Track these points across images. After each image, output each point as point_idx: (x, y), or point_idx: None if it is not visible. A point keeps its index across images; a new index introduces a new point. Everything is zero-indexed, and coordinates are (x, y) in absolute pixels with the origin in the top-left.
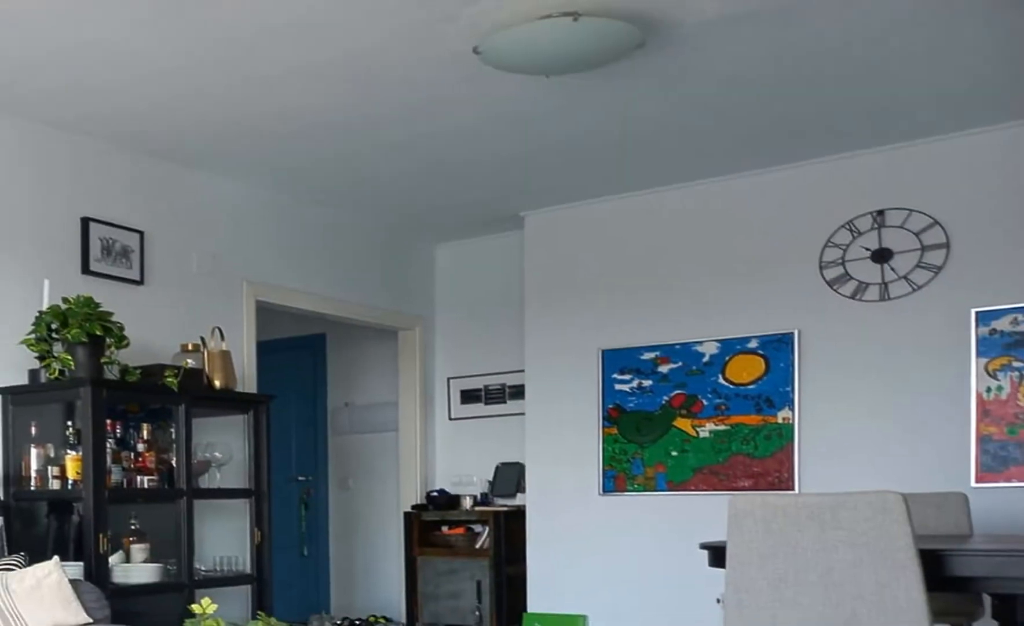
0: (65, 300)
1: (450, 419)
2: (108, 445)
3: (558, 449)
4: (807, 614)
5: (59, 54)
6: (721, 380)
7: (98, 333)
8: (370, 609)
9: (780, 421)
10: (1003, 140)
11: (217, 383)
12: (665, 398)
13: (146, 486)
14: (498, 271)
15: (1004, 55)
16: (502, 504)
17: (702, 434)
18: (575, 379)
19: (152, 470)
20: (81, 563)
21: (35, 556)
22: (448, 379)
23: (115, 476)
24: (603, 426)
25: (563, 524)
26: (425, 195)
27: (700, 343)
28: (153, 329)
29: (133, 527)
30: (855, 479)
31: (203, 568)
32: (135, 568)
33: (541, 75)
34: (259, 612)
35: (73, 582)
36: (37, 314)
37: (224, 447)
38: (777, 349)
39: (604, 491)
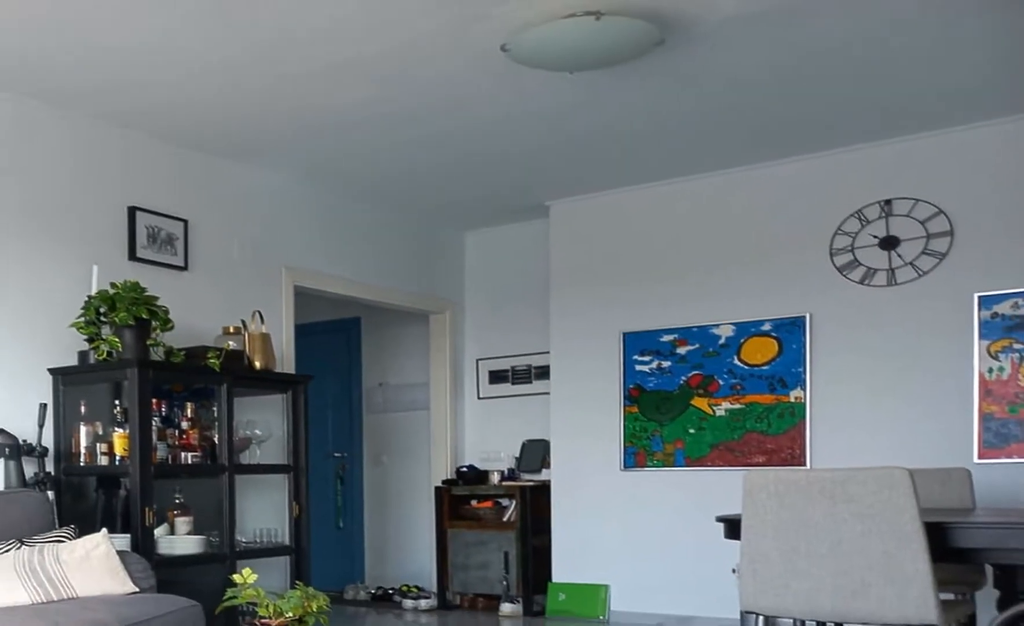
0: (113, 285)
1: (479, 398)
2: (154, 423)
3: (581, 427)
4: (818, 583)
5: (109, 53)
6: (736, 361)
7: (144, 316)
8: (402, 579)
9: (792, 400)
10: (1005, 133)
11: (257, 364)
12: (683, 378)
13: (190, 462)
14: (524, 258)
15: (1005, 52)
16: (528, 479)
17: (718, 412)
18: (598, 360)
19: (195, 447)
20: (128, 535)
21: (84, 528)
22: (477, 360)
23: (160, 452)
24: (624, 405)
25: (586, 498)
26: (455, 186)
27: (716, 326)
28: (197, 313)
29: (177, 501)
30: (863, 455)
31: (244, 540)
32: (179, 540)
33: (565, 72)
34: (297, 581)
35: (120, 553)
36: (86, 299)
37: (264, 425)
38: (790, 332)
39: (625, 467)
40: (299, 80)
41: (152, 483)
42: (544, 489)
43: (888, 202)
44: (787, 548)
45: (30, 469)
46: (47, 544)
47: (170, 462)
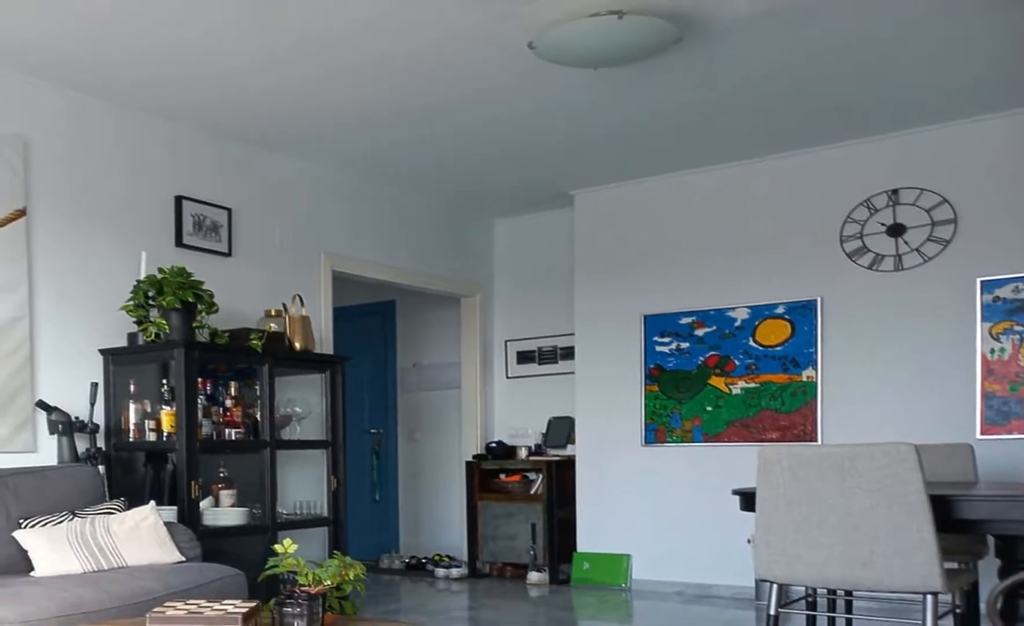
0: (160, 270)
1: (507, 377)
2: (199, 401)
3: (604, 404)
4: (829, 553)
5: (157, 50)
6: (751, 342)
7: (190, 300)
8: (435, 549)
9: (804, 379)
10: (1005, 126)
11: (297, 345)
12: (701, 359)
13: (233, 438)
14: (550, 244)
15: (1006, 49)
16: (554, 454)
17: (734, 391)
18: (620, 341)
19: (239, 423)
20: (175, 507)
21: (133, 501)
22: (505, 341)
23: (205, 429)
24: (645, 384)
25: (609, 472)
26: (484, 176)
27: (732, 309)
28: (240, 296)
29: (222, 475)
30: (872, 431)
31: (284, 512)
32: (223, 512)
33: (589, 68)
34: (335, 551)
35: (168, 524)
36: (135, 283)
37: (304, 403)
38: (802, 314)
39: (646, 442)
40: (337, 75)
41: (198, 458)
42: (569, 464)
43: (895, 191)
44: (799, 520)
45: (82, 445)
46: (98, 516)
47: (215, 438)
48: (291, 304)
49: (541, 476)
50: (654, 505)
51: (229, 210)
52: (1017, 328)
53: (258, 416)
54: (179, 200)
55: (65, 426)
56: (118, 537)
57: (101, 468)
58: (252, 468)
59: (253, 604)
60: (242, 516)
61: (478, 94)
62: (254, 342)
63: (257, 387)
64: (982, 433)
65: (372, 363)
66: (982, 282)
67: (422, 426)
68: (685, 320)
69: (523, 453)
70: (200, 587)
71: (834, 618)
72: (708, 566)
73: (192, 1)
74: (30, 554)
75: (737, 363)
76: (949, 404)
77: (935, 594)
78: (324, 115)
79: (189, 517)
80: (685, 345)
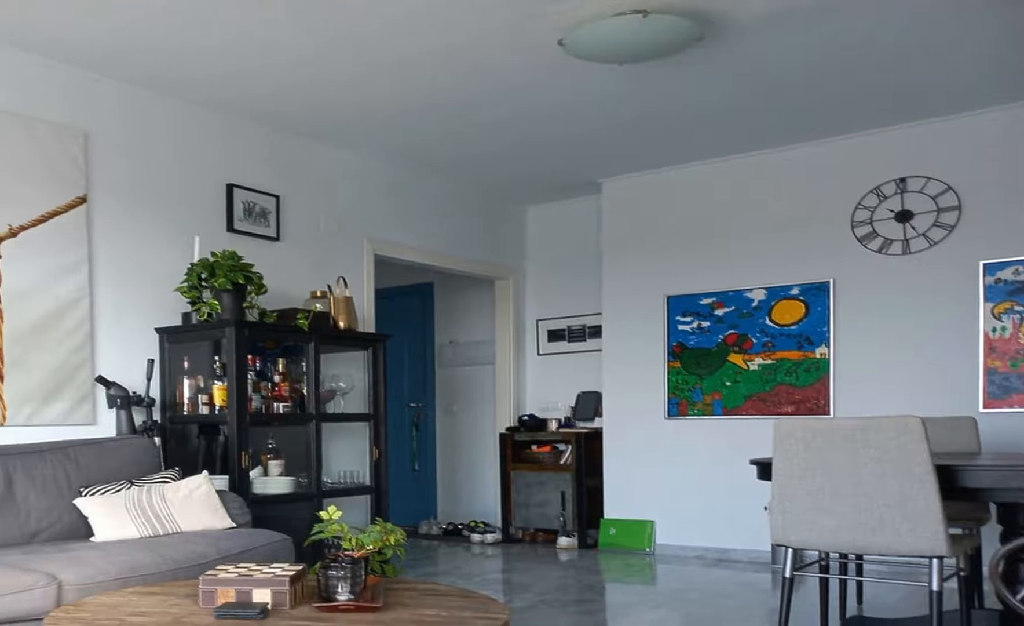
0: (213, 254)
1: (538, 354)
2: (249, 377)
3: (630, 380)
4: (841, 520)
5: (209, 46)
6: (768, 321)
7: (241, 282)
8: (471, 515)
9: (818, 356)
10: (1008, 118)
11: (341, 324)
12: (721, 337)
13: (281, 411)
14: (579, 229)
15: (1008, 45)
16: (582, 426)
17: (752, 367)
18: (644, 321)
19: (286, 398)
20: (226, 476)
21: (187, 470)
22: (537, 321)
23: (255, 403)
24: (668, 360)
25: (634, 443)
26: (517, 165)
27: (750, 290)
28: (287, 278)
29: (270, 446)
30: (881, 405)
31: (329, 481)
32: (272, 481)
33: (615, 64)
34: (377, 517)
35: (220, 493)
36: (189, 266)
37: (347, 378)
38: (815, 295)
39: (669, 415)
40: (378, 70)
41: (247, 430)
42: (597, 435)
43: (903, 180)
44: (813, 488)
45: (139, 418)
46: (154, 484)
47: (264, 411)
48: (335, 285)
49: (570, 447)
50: (676, 474)
51: (277, 197)
52: (1017, 308)
53: (304, 391)
54: (230, 188)
55: (123, 400)
56: (173, 504)
57: (157, 439)
58: (299, 439)
59: (300, 567)
60: (289, 485)
61: (511, 88)
62: (301, 321)
63: (303, 363)
64: (984, 407)
65: (411, 341)
66: (984, 265)
67: (459, 400)
68: (706, 300)
69: (553, 425)
70: (250, 551)
71: (846, 581)
72: (727, 532)
73: (243, 0)
74: (90, 520)
75: (754, 341)
76: (953, 379)
77: (940, 558)
78: (367, 108)
79: (240, 486)
80: (706, 324)
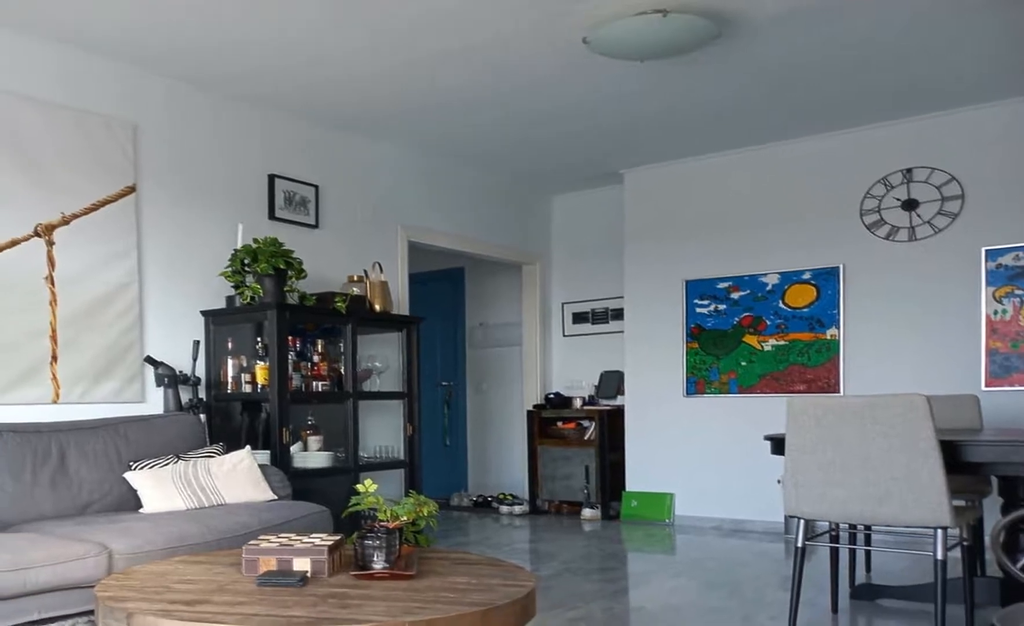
0: (255, 240)
1: (564, 336)
2: (290, 357)
3: (650, 360)
4: (850, 492)
5: (250, 43)
6: (781, 304)
7: (282, 267)
8: (499, 488)
9: (828, 337)
10: (1009, 112)
11: (377, 307)
12: (736, 319)
13: (320, 390)
14: (602, 217)
15: (1009, 42)
16: (605, 404)
17: (766, 348)
18: (664, 304)
19: (325, 377)
20: (268, 451)
21: (231, 446)
22: (562, 304)
23: (295, 381)
24: (686, 341)
25: (654, 420)
26: (543, 156)
27: (764, 275)
28: (326, 264)
29: (310, 422)
30: (888, 383)
31: (365, 455)
32: (311, 455)
33: (636, 61)
34: (410, 490)
35: (262, 467)
36: (233, 252)
37: (383, 358)
38: (826, 279)
39: (687, 393)
40: (412, 66)
41: (288, 407)
42: (619, 412)
43: (909, 170)
44: (824, 462)
45: (185, 396)
46: (200, 459)
47: (303, 390)
48: (371, 270)
49: (594, 423)
50: (694, 449)
51: (316, 187)
52: (1018, 292)
53: (342, 370)
54: (271, 178)
55: (170, 379)
56: (217, 478)
57: (202, 416)
58: (337, 416)
59: (338, 537)
60: (328, 459)
61: (538, 83)
62: (338, 304)
63: (341, 344)
64: (986, 385)
65: (443, 323)
66: (986, 251)
67: (488, 379)
68: (722, 285)
69: (578, 403)
70: (290, 522)
71: (855, 550)
72: (742, 503)
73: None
74: (139, 493)
75: (768, 323)
76: (957, 359)
77: (944, 528)
78: (401, 101)
79: (281, 460)
80: (722, 307)
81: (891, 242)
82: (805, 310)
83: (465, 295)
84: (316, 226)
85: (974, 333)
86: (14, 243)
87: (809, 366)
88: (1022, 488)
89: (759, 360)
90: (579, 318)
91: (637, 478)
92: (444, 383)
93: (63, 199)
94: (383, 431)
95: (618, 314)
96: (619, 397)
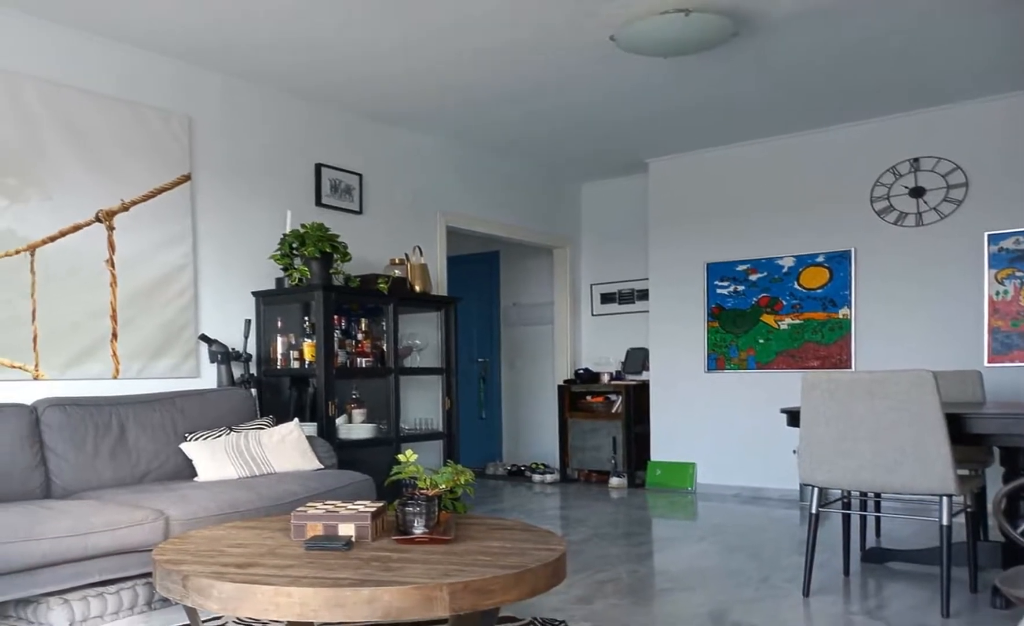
0: (303, 226)
1: (592, 315)
2: (335, 335)
3: (673, 338)
4: (861, 461)
5: (298, 40)
6: (796, 285)
7: (328, 250)
8: (532, 458)
9: (841, 317)
10: (1010, 105)
11: (417, 288)
12: (754, 299)
13: (363, 366)
14: (628, 204)
15: (1012, 40)
16: (631, 379)
17: (782, 326)
18: (686, 285)
19: (368, 354)
20: (315, 424)
21: (280, 418)
22: (591, 285)
23: (340, 358)
24: (708, 321)
25: (677, 394)
26: (573, 147)
27: (780, 258)
28: (369, 247)
29: (354, 396)
30: (897, 360)
31: (406, 427)
32: (355, 427)
33: (660, 57)
34: (448, 460)
35: (309, 438)
36: (282, 236)
37: (423, 336)
38: (839, 262)
39: (708, 370)
40: (450, 62)
41: (334, 382)
42: (644, 387)
43: (916, 160)
44: (836, 434)
45: (237, 371)
46: (251, 431)
47: (348, 366)
48: (412, 253)
49: (621, 397)
50: (715, 422)
51: (360, 175)
52: (1018, 273)
53: (384, 347)
54: (318, 167)
55: (223, 356)
56: (267, 448)
57: (253, 391)
58: (379, 391)
59: (380, 504)
60: (371, 431)
61: (568, 78)
62: (381, 285)
63: (383, 323)
64: (989, 362)
65: (479, 303)
66: (989, 235)
67: (521, 356)
68: (741, 267)
69: (605, 378)
70: (336, 490)
71: (865, 516)
72: (760, 472)
73: None
74: (194, 463)
75: (784, 303)
76: (961, 337)
77: (949, 496)
78: (441, 94)
79: (327, 432)
80: (741, 288)
81: (899, 227)
82: (819, 291)
83: (499, 277)
84: (360, 212)
85: (977, 312)
86: (77, 228)
87: (823, 344)
88: (1022, 458)
89: (776, 338)
90: (607, 298)
91: (661, 448)
92: (480, 360)
93: (123, 187)
94: (423, 404)
95: (643, 295)
96: (644, 373)
